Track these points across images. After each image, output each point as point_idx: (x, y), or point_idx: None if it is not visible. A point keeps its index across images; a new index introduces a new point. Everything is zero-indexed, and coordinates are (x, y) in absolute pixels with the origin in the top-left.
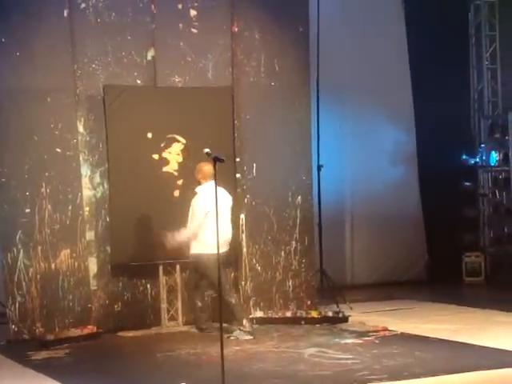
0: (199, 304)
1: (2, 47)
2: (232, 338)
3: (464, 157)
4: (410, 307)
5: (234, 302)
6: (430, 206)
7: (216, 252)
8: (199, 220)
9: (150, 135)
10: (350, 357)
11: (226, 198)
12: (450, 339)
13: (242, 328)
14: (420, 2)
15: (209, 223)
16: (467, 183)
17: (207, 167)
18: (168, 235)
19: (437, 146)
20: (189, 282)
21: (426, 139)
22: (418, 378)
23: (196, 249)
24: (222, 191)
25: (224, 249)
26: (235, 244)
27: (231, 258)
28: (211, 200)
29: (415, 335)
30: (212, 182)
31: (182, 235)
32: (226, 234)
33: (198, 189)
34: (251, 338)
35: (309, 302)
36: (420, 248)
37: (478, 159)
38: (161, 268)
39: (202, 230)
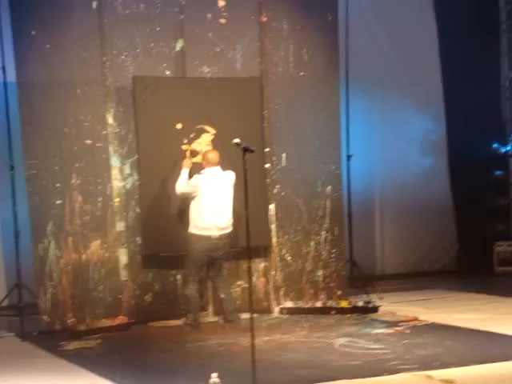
0: (222, 296)
1: (32, 40)
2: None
3: (495, 145)
4: (441, 297)
5: (186, 293)
6: (460, 195)
7: (204, 235)
8: (183, 192)
9: (179, 126)
10: (381, 347)
11: (227, 180)
12: (481, 329)
13: (185, 320)
14: None
15: (198, 205)
16: (498, 172)
17: (212, 154)
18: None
19: (467, 134)
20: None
21: (456, 128)
22: (449, 367)
23: (188, 228)
24: (224, 175)
25: (208, 233)
26: (264, 234)
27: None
28: (209, 183)
29: (446, 325)
30: (215, 169)
31: (178, 183)
32: (224, 216)
33: (202, 171)
34: (188, 330)
35: (339, 292)
36: (450, 237)
37: (509, 147)
38: None
39: (194, 212)
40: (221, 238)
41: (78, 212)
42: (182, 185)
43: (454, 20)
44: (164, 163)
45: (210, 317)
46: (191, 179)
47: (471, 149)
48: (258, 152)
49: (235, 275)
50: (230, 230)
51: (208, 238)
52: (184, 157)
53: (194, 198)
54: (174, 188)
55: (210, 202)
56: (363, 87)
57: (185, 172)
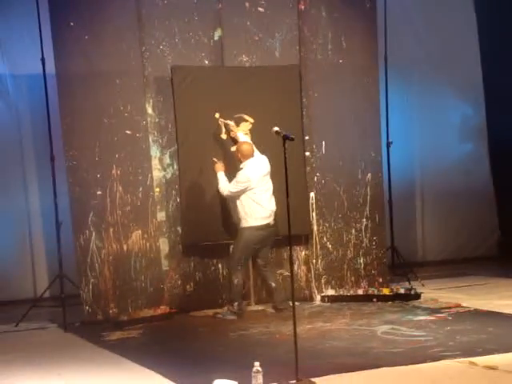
0: (273, 285)
1: (71, 31)
2: (219, 316)
3: None
4: (483, 283)
5: (235, 282)
6: (501, 180)
7: (264, 223)
8: (237, 191)
9: (218, 115)
10: (423, 334)
11: (267, 166)
12: None
13: (230, 308)
14: None
15: (253, 198)
16: None
17: (246, 146)
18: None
19: (507, 120)
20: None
21: (495, 113)
22: (492, 354)
23: (242, 223)
24: (263, 162)
25: (268, 220)
26: (305, 222)
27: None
28: (257, 174)
29: (488, 311)
30: (253, 159)
31: (222, 186)
32: (273, 200)
33: (242, 165)
34: (234, 318)
35: (380, 280)
36: (491, 223)
37: None
38: (231, 247)
39: (252, 205)
40: (275, 223)
41: (119, 202)
42: (228, 186)
43: (494, 6)
44: (203, 152)
45: (252, 306)
46: (239, 177)
47: (511, 134)
48: (297, 140)
49: (277, 264)
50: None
51: (267, 225)
52: (214, 162)
53: (245, 192)
54: (214, 180)
55: (263, 191)
56: (402, 74)
57: (221, 174)
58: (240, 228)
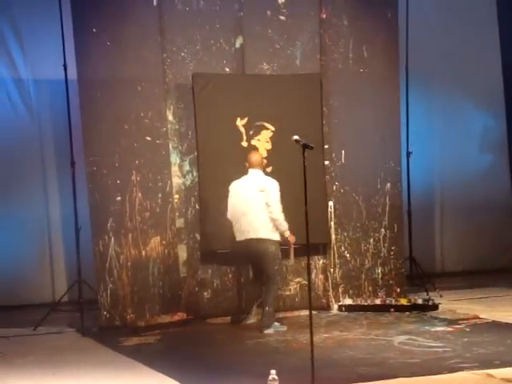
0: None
1: (94, 37)
2: (269, 331)
3: None
4: (502, 295)
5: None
6: None
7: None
8: (279, 207)
9: (238, 122)
10: (441, 345)
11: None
12: None
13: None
14: None
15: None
16: None
17: (254, 156)
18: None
19: None
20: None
21: None
22: (510, 366)
23: (266, 234)
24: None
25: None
26: (323, 231)
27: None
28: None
29: (507, 323)
30: (256, 171)
31: (281, 224)
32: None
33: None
34: (285, 328)
35: (398, 290)
36: (510, 235)
37: None
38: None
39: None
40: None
41: (138, 208)
42: (279, 210)
43: None
44: (223, 160)
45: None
46: (276, 191)
47: None
48: (317, 149)
49: (295, 272)
50: None
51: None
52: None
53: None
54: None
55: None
56: (423, 84)
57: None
58: (267, 240)
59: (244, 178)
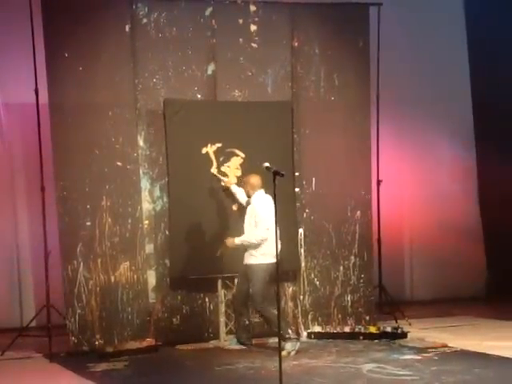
0: (246, 322)
1: (66, 62)
2: (289, 352)
3: None
4: (470, 324)
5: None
6: (490, 221)
7: (272, 262)
8: (262, 235)
9: (208, 149)
10: (409, 373)
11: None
12: (511, 357)
13: (288, 339)
14: (482, 14)
15: (272, 231)
16: None
17: (254, 179)
18: (228, 239)
19: (499, 158)
20: (237, 296)
21: (486, 152)
22: None
23: (253, 259)
24: (270, 200)
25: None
26: (293, 258)
27: (289, 272)
28: (269, 214)
29: (475, 352)
30: (261, 192)
31: (243, 239)
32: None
33: (252, 199)
34: (299, 343)
35: (367, 318)
36: (480, 264)
37: None
38: (219, 281)
39: (270, 241)
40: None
41: (108, 234)
42: (257, 233)
43: (487, 45)
44: (194, 186)
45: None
46: (260, 215)
47: (501, 175)
48: (287, 176)
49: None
50: None
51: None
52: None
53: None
54: (202, 214)
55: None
56: (394, 112)
57: (242, 239)
58: (252, 265)
59: (265, 197)
